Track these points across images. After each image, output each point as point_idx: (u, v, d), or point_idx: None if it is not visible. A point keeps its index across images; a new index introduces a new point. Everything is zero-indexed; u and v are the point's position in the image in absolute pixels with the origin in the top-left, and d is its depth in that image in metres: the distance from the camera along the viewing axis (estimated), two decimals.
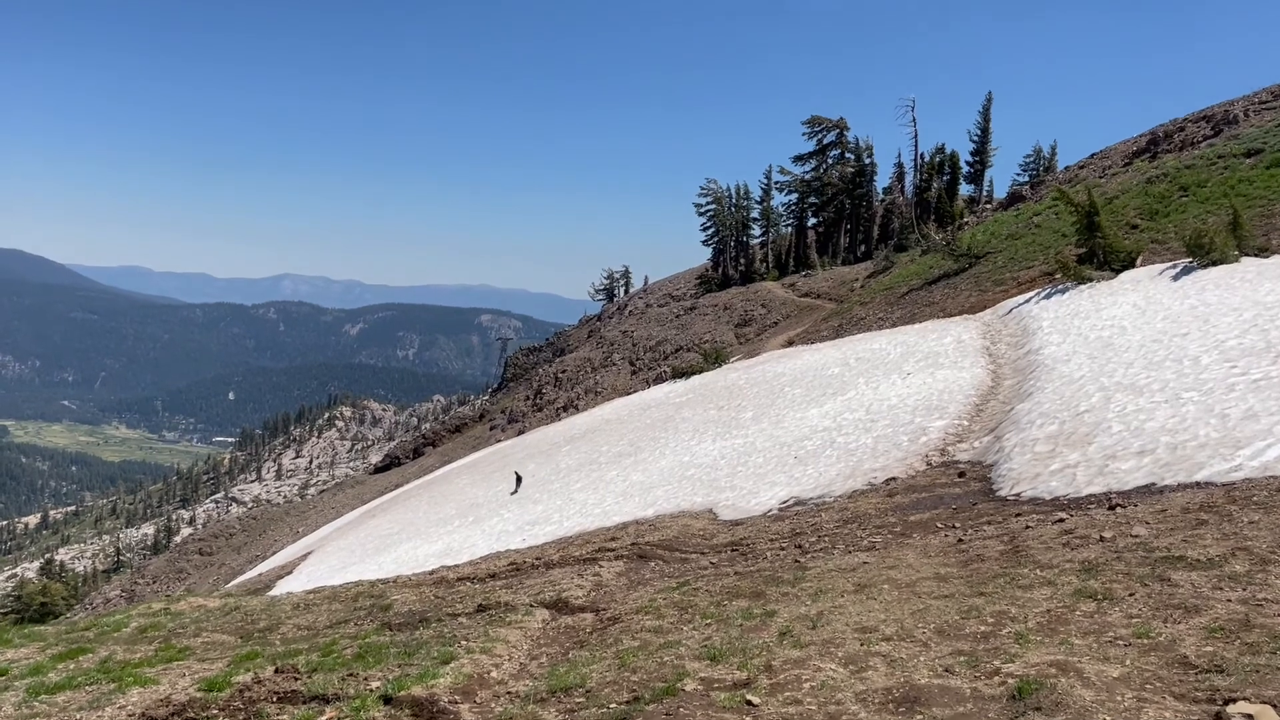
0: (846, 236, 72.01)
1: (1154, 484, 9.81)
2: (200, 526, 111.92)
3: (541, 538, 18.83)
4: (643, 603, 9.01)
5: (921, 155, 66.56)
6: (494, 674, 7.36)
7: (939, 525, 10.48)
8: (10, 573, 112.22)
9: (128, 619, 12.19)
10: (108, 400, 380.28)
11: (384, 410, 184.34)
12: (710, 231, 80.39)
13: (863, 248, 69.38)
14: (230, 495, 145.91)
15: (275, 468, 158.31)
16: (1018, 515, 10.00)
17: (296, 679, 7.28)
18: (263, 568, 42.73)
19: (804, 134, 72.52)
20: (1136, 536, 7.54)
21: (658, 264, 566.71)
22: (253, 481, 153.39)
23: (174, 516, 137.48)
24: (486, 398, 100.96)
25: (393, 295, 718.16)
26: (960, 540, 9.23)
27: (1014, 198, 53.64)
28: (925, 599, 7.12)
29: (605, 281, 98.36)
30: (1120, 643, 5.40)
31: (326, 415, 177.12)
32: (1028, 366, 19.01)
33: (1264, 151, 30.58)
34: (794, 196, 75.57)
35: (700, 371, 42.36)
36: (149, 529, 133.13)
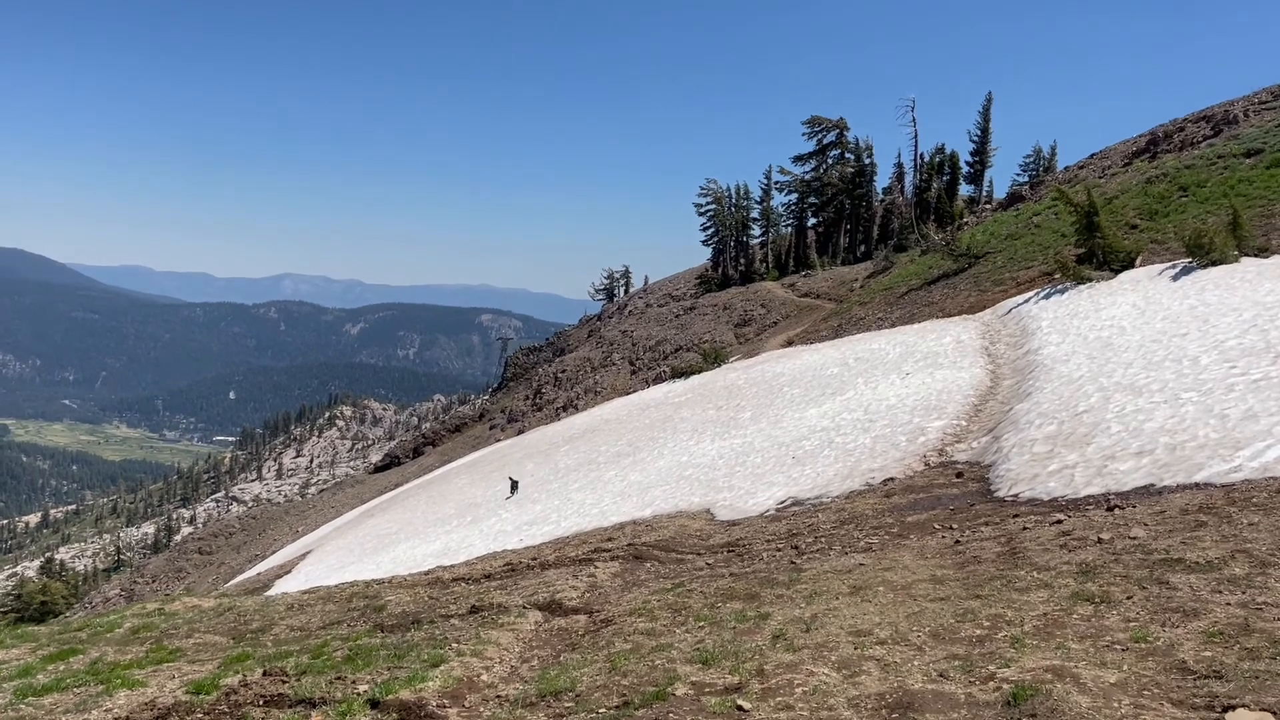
0: (846, 237, 71.92)
1: (1153, 485, 9.72)
2: (200, 526, 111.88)
3: (538, 538, 18.78)
4: (636, 604, 8.93)
5: (921, 155, 66.53)
6: (484, 677, 7.28)
7: (936, 526, 10.39)
8: (10, 571, 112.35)
9: (121, 619, 12.13)
10: (108, 399, 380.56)
11: (384, 410, 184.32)
12: (710, 231, 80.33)
13: (862, 248, 69.29)
14: (231, 494, 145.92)
15: (276, 467, 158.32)
16: (1015, 516, 9.92)
17: (284, 682, 7.21)
18: (261, 567, 42.71)
19: (804, 134, 72.54)
20: (1135, 538, 7.45)
21: (658, 264, 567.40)
22: (253, 481, 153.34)
23: (174, 515, 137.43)
24: (486, 397, 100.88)
25: (393, 295, 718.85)
26: (957, 542, 9.15)
27: (1013, 198, 53.55)
28: (921, 601, 7.04)
29: (605, 281, 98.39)
30: (1117, 647, 5.32)
31: (327, 415, 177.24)
32: (1026, 367, 18.93)
33: (1264, 151, 30.49)
34: (794, 196, 75.51)
35: (699, 371, 42.30)
36: (149, 528, 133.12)
